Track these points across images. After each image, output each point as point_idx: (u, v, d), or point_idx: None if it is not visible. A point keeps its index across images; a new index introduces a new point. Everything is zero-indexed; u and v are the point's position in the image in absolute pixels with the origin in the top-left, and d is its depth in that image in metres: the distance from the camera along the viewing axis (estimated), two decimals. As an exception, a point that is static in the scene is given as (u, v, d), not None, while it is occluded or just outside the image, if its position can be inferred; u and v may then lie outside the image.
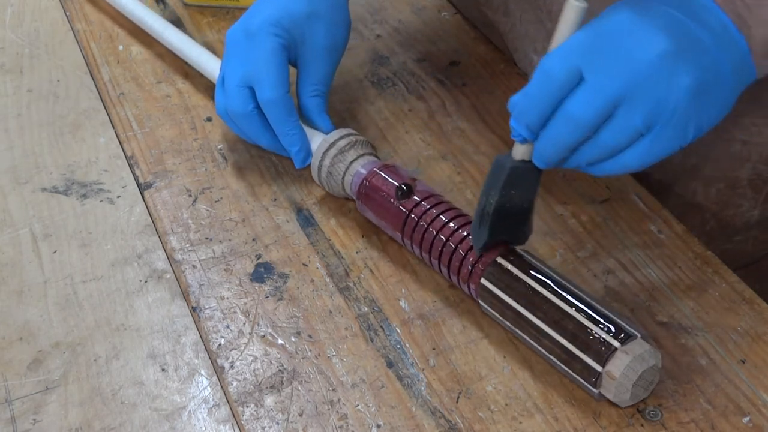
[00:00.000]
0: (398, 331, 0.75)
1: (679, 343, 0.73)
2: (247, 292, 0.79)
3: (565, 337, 0.68)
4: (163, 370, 0.73)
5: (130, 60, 1.03)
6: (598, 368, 0.66)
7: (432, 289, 0.78)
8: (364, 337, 0.75)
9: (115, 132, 0.94)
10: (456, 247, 0.75)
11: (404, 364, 0.73)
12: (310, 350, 0.74)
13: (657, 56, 0.62)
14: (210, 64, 0.95)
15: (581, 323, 0.68)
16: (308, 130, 0.86)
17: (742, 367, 0.72)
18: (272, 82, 0.83)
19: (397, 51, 1.03)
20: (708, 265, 0.79)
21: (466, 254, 0.74)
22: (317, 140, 0.85)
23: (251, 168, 0.90)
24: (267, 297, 0.78)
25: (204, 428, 0.70)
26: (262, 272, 0.80)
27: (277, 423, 0.70)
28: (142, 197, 0.87)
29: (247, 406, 0.71)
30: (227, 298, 0.78)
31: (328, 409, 0.70)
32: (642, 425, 0.68)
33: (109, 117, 0.96)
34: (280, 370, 0.73)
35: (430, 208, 0.77)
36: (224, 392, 0.72)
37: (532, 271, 0.71)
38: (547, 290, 0.70)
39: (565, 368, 0.69)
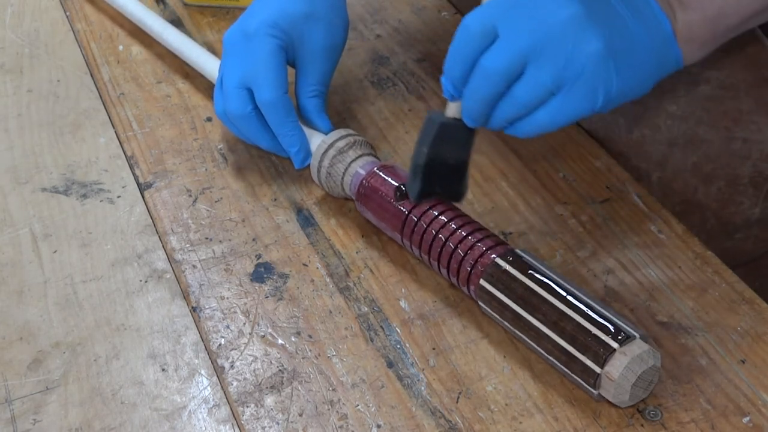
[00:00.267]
0: (398, 331, 0.75)
1: (679, 343, 0.73)
2: (247, 292, 0.79)
3: (563, 339, 0.68)
4: (163, 370, 0.73)
5: (130, 60, 1.03)
6: (597, 369, 0.66)
7: (432, 289, 0.78)
8: (364, 337, 0.75)
9: (115, 132, 0.94)
10: (455, 247, 0.75)
11: (404, 364, 0.73)
12: (310, 350, 0.74)
13: (567, 17, 0.65)
14: (209, 65, 0.95)
15: (580, 324, 0.68)
16: (307, 131, 0.86)
17: (742, 367, 0.72)
18: (270, 83, 0.83)
19: (397, 51, 1.03)
20: (708, 265, 0.79)
21: (465, 255, 0.74)
22: (316, 141, 0.85)
23: (251, 168, 0.90)
24: (267, 297, 0.78)
25: (204, 428, 0.70)
26: (262, 272, 0.80)
27: (277, 423, 0.70)
28: (142, 197, 0.87)
29: (247, 406, 0.71)
30: (227, 298, 0.78)
31: (328, 409, 0.70)
32: (642, 425, 0.68)
33: (109, 117, 0.96)
34: (280, 370, 0.73)
35: (429, 209, 0.77)
36: (224, 392, 0.72)
37: (530, 272, 0.71)
38: (546, 291, 0.70)
39: (565, 369, 0.69)
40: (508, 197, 0.86)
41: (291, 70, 0.88)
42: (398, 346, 0.74)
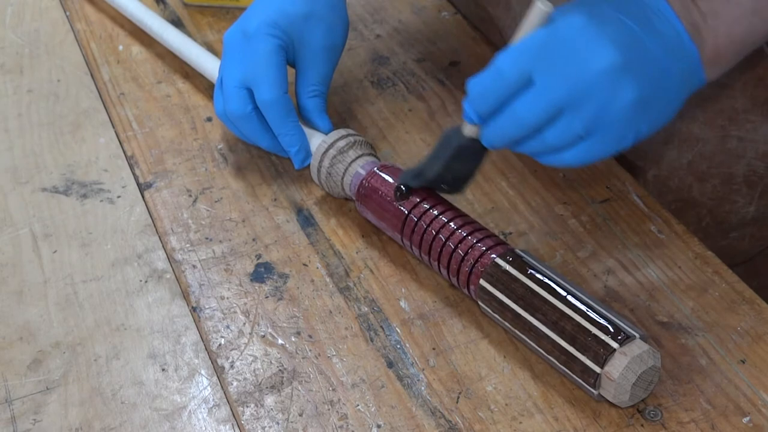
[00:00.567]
0: (398, 331, 0.75)
1: (679, 343, 0.73)
2: (247, 292, 0.79)
3: (563, 339, 0.68)
4: (163, 370, 0.73)
5: (130, 60, 1.03)
6: (597, 369, 0.66)
7: (432, 289, 0.78)
8: (364, 337, 0.75)
9: (115, 132, 0.94)
10: (455, 247, 0.75)
11: (404, 364, 0.73)
12: (310, 350, 0.74)
13: (604, 68, 0.63)
14: (209, 65, 0.95)
15: (580, 324, 0.68)
16: (307, 131, 0.86)
17: (742, 367, 0.72)
18: (270, 83, 0.83)
19: (397, 51, 1.03)
20: (708, 265, 0.79)
21: (465, 255, 0.74)
22: (316, 141, 0.85)
23: (251, 168, 0.90)
24: (267, 297, 0.78)
25: (204, 428, 0.70)
26: (262, 272, 0.80)
27: (277, 423, 0.70)
28: (142, 197, 0.87)
29: (247, 406, 0.71)
30: (227, 298, 0.78)
31: (328, 409, 0.70)
32: (642, 425, 0.68)
33: (109, 117, 0.96)
34: (280, 370, 0.73)
35: (429, 209, 0.77)
36: (224, 392, 0.72)
37: (530, 272, 0.71)
38: (546, 291, 0.70)
39: (565, 369, 0.69)
40: (508, 197, 0.86)
41: (291, 71, 0.88)
42: (398, 346, 0.74)
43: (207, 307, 0.78)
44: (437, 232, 0.76)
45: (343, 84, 0.98)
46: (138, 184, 0.88)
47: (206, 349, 0.75)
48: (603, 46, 0.64)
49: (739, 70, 0.87)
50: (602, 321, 0.67)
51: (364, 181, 0.81)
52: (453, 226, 0.76)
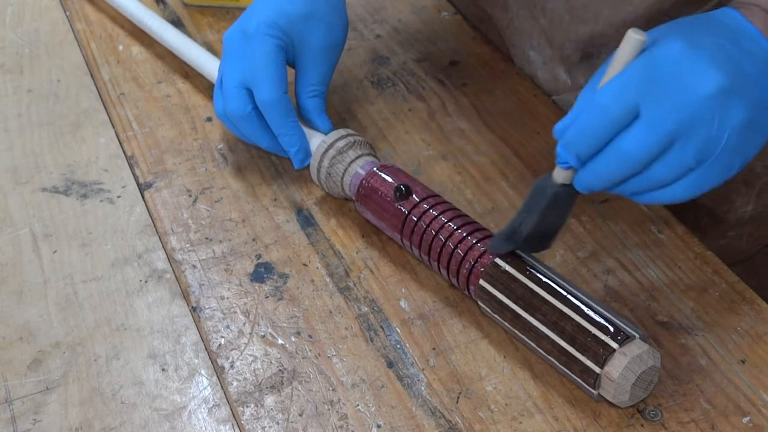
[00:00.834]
0: (398, 331, 0.75)
1: (679, 343, 0.73)
2: (247, 292, 0.79)
3: (563, 339, 0.68)
4: (163, 370, 0.73)
5: (130, 60, 1.03)
6: (597, 369, 0.66)
7: (432, 289, 0.78)
8: (364, 337, 0.75)
9: (115, 132, 0.94)
10: (455, 248, 0.75)
11: (404, 364, 0.73)
12: (310, 350, 0.74)
13: (712, 93, 0.61)
14: (209, 65, 0.95)
15: (579, 324, 0.68)
16: (307, 131, 0.86)
17: (742, 367, 0.72)
18: (270, 83, 0.83)
19: (397, 51, 1.03)
20: (708, 265, 0.79)
21: (464, 255, 0.74)
22: (316, 141, 0.85)
23: (251, 168, 0.90)
24: (267, 297, 0.78)
25: (204, 428, 0.70)
26: (262, 272, 0.80)
27: (277, 423, 0.70)
28: (142, 197, 0.87)
29: (247, 406, 0.71)
30: (227, 298, 0.78)
31: (328, 409, 0.70)
32: (642, 425, 0.68)
33: (109, 117, 0.96)
34: (280, 370, 0.73)
35: (429, 209, 0.77)
36: (224, 392, 0.72)
37: (530, 273, 0.71)
38: (546, 291, 0.70)
39: (564, 369, 0.69)
40: (508, 197, 0.86)
41: (291, 71, 0.88)
42: (398, 346, 0.74)
43: (207, 307, 0.78)
44: (437, 233, 0.76)
45: (343, 84, 0.98)
46: (138, 184, 0.88)
47: (206, 349, 0.75)
48: (708, 70, 0.62)
49: None
50: (602, 321, 0.67)
51: (363, 181, 0.81)
52: (453, 226, 0.76)
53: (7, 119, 0.96)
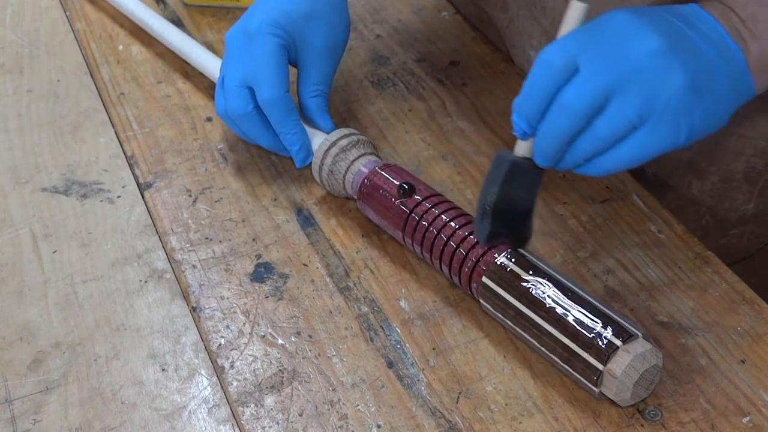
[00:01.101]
0: (398, 331, 0.75)
1: (679, 343, 0.73)
2: (247, 292, 0.79)
3: (566, 336, 0.68)
4: (163, 370, 0.73)
5: (130, 60, 1.03)
6: (600, 366, 0.66)
7: (432, 289, 0.78)
8: (364, 337, 0.75)
9: (115, 132, 0.94)
10: (457, 246, 0.75)
11: (404, 364, 0.73)
12: (310, 350, 0.74)
13: (651, 51, 0.63)
14: (210, 64, 0.95)
15: (583, 322, 0.68)
16: (309, 130, 0.86)
17: (742, 367, 0.72)
18: (272, 82, 0.83)
19: (397, 51, 1.03)
20: (708, 265, 0.79)
21: (467, 253, 0.74)
22: (318, 140, 0.85)
23: (251, 168, 0.90)
24: (267, 297, 0.78)
25: (204, 428, 0.70)
26: (262, 272, 0.80)
27: (277, 423, 0.70)
28: (142, 197, 0.87)
29: (247, 406, 0.71)
30: (227, 298, 0.78)
31: (328, 409, 0.70)
32: (642, 425, 0.68)
33: (109, 117, 0.96)
34: (280, 370, 0.73)
35: (431, 208, 0.77)
36: (224, 392, 0.72)
37: (533, 270, 0.71)
38: (549, 289, 0.70)
39: (566, 367, 0.69)
40: (508, 197, 0.86)
41: (293, 70, 0.88)
42: (398, 346, 0.74)
43: (207, 307, 0.78)
44: (439, 231, 0.76)
45: (343, 84, 0.98)
46: (138, 184, 0.88)
47: (206, 349, 0.75)
48: (649, 32, 0.64)
49: None
50: (605, 319, 0.68)
51: (366, 180, 0.81)
52: (455, 224, 0.76)
53: (7, 119, 0.96)
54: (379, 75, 1.00)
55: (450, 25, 1.06)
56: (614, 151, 0.65)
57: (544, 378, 0.71)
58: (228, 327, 0.76)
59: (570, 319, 0.68)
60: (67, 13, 1.10)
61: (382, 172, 0.80)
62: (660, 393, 0.70)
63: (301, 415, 0.70)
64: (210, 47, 1.02)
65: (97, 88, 0.99)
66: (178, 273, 0.80)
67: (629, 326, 0.67)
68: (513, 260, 0.72)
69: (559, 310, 0.69)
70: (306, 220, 0.84)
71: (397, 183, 0.79)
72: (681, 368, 0.72)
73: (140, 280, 0.80)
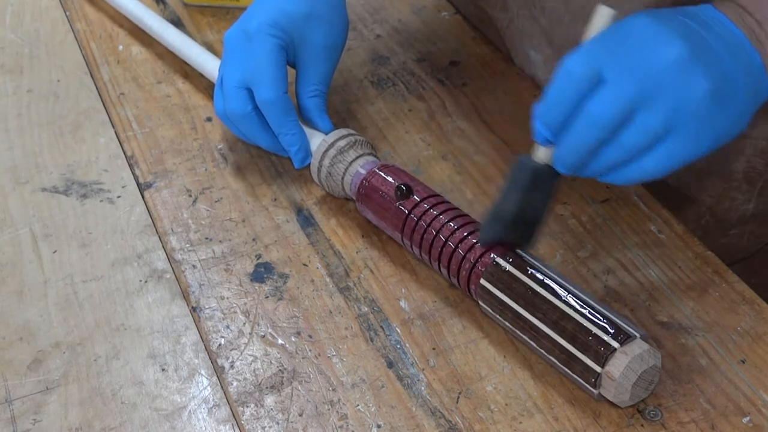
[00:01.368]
0: (398, 331, 0.75)
1: (679, 343, 0.73)
2: (247, 292, 0.79)
3: (564, 338, 0.68)
4: (163, 370, 0.73)
5: (130, 60, 1.03)
6: (598, 369, 0.66)
7: (432, 289, 0.78)
8: (364, 337, 0.75)
9: (115, 132, 0.94)
10: (456, 247, 0.75)
11: (404, 364, 0.73)
12: (310, 350, 0.74)
13: (674, 59, 0.63)
14: (209, 64, 0.95)
15: (580, 324, 0.68)
16: (308, 131, 0.86)
17: (742, 367, 0.72)
18: (270, 82, 0.83)
19: (397, 51, 1.03)
20: (708, 265, 0.79)
21: (465, 255, 0.74)
22: (317, 140, 0.85)
23: (251, 168, 0.90)
24: (267, 297, 0.78)
25: (204, 428, 0.70)
26: (262, 272, 0.80)
27: (277, 423, 0.70)
28: (142, 197, 0.87)
29: (247, 406, 0.71)
30: (227, 298, 0.78)
31: (328, 409, 0.70)
32: (642, 425, 0.68)
33: (109, 117, 0.96)
34: (280, 370, 0.73)
35: (429, 209, 0.77)
36: (224, 392, 0.72)
37: (531, 272, 0.71)
38: (547, 291, 0.70)
39: (565, 369, 0.69)
40: (508, 197, 0.86)
41: (291, 71, 0.88)
42: (398, 346, 0.74)
43: (207, 307, 0.78)
44: (438, 232, 0.76)
45: (343, 84, 0.98)
46: (138, 184, 0.88)
47: (206, 349, 0.75)
48: (670, 38, 0.63)
49: None
50: (603, 321, 0.67)
51: (364, 181, 0.81)
52: (453, 225, 0.76)
53: (7, 119, 0.96)
54: (379, 75, 1.00)
55: (450, 25, 1.06)
56: (639, 161, 0.64)
57: (544, 378, 0.71)
58: (228, 327, 0.76)
59: (568, 321, 0.68)
60: (67, 13, 1.10)
61: (380, 173, 0.80)
62: (660, 393, 0.70)
63: (301, 415, 0.70)
64: (210, 47, 1.02)
65: (97, 88, 0.99)
66: (178, 273, 0.80)
67: (627, 327, 0.67)
68: (511, 261, 0.72)
69: (557, 312, 0.69)
70: (306, 220, 0.84)
71: (395, 184, 0.79)
72: (681, 368, 0.72)
73: (140, 280, 0.80)
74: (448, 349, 0.74)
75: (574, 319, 0.68)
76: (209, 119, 0.95)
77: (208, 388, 0.72)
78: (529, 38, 0.95)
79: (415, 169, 0.88)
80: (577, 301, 0.69)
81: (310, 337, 0.75)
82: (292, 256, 0.81)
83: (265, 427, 0.70)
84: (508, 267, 0.72)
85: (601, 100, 0.63)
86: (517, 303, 0.70)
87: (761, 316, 0.75)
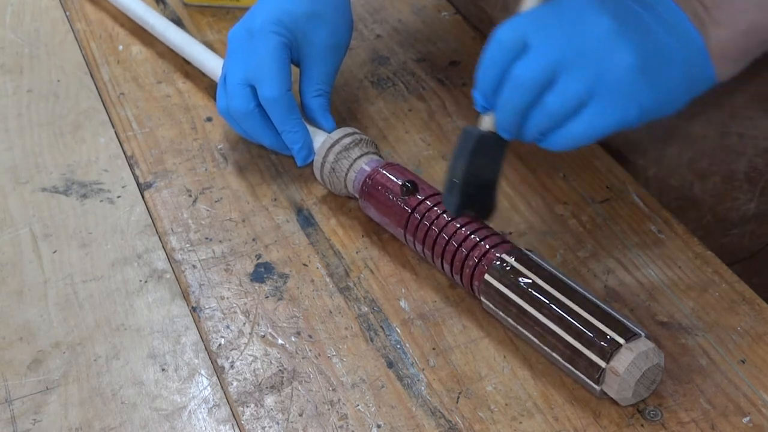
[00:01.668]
0: (398, 331, 0.75)
1: (679, 343, 0.73)
2: (247, 292, 0.79)
3: (569, 334, 0.68)
4: (163, 370, 0.73)
5: (130, 60, 1.03)
6: (602, 364, 0.66)
7: (432, 289, 0.78)
8: (364, 337, 0.75)
9: (115, 132, 0.94)
10: (460, 244, 0.75)
11: (404, 364, 0.73)
12: (310, 350, 0.74)
13: (601, 31, 0.65)
14: (211, 63, 0.95)
15: (586, 320, 0.68)
16: (311, 129, 0.86)
17: (742, 367, 0.72)
18: (273, 80, 0.83)
19: (397, 51, 1.03)
20: (708, 264, 0.79)
21: (469, 252, 0.74)
22: (320, 139, 0.85)
23: (251, 168, 0.90)
24: (267, 297, 0.78)
25: (204, 428, 0.70)
26: (262, 272, 0.80)
27: (277, 423, 0.70)
28: (142, 197, 0.87)
29: (247, 406, 0.71)
30: (227, 298, 0.78)
31: (328, 409, 0.70)
32: (642, 425, 0.68)
33: (109, 117, 0.96)
34: (280, 370, 0.73)
35: (433, 206, 0.77)
36: (224, 392, 0.72)
37: (536, 268, 0.71)
38: (551, 286, 0.70)
39: (568, 365, 0.69)
40: (508, 197, 0.86)
41: (295, 70, 0.88)
42: (398, 346, 0.74)
43: (207, 307, 0.78)
44: (441, 229, 0.76)
45: (343, 84, 0.98)
46: (138, 184, 0.88)
47: (206, 349, 0.75)
48: (600, 12, 0.65)
49: None
50: (608, 317, 0.68)
51: (368, 178, 0.81)
52: (457, 223, 0.76)
53: (7, 119, 0.96)
54: (379, 75, 1.00)
55: (450, 25, 1.06)
56: (566, 127, 0.67)
57: (544, 378, 0.71)
58: (228, 327, 0.76)
59: (573, 316, 0.68)
60: (67, 13, 1.10)
61: (385, 171, 0.81)
62: (660, 393, 0.70)
63: (301, 415, 0.70)
64: (210, 47, 1.02)
65: (97, 88, 0.99)
66: (178, 273, 0.80)
67: (632, 325, 0.67)
68: (515, 258, 0.72)
69: (562, 307, 0.69)
70: (306, 220, 0.84)
71: (400, 182, 0.79)
72: (681, 368, 0.72)
73: (140, 280, 0.80)
74: (448, 349, 0.74)
75: (580, 315, 0.68)
76: (209, 119, 0.95)
77: (208, 388, 0.72)
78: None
79: (415, 169, 0.88)
80: (582, 298, 0.69)
81: (310, 337, 0.75)
82: (292, 256, 0.81)
83: (265, 427, 0.70)
84: (513, 263, 0.72)
85: (525, 63, 0.66)
86: (521, 299, 0.70)
87: (761, 316, 0.75)
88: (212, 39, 1.05)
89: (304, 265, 0.81)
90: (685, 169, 0.92)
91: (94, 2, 1.10)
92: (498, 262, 0.72)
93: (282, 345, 0.75)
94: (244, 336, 0.75)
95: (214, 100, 0.95)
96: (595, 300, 0.69)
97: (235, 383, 0.72)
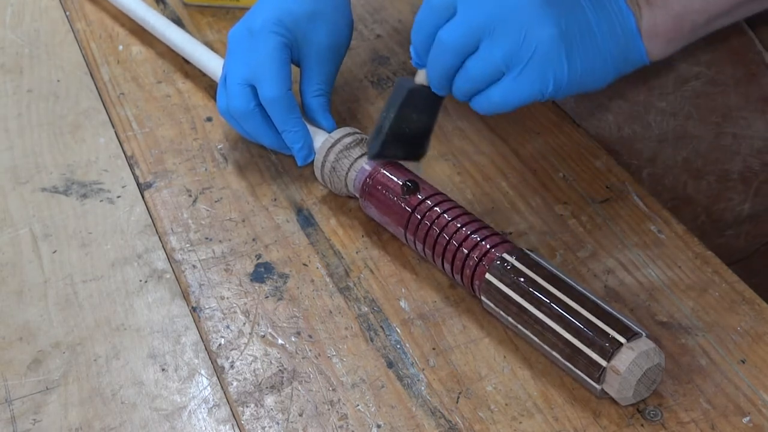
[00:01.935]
0: (398, 331, 0.75)
1: (679, 343, 0.73)
2: (247, 292, 0.79)
3: (569, 332, 0.68)
4: (163, 370, 0.73)
5: (130, 60, 1.03)
6: (603, 363, 0.66)
7: (432, 289, 0.78)
8: (364, 337, 0.75)
9: (115, 132, 0.94)
10: (461, 243, 0.75)
11: (404, 364, 0.73)
12: (310, 350, 0.74)
13: (526, 1, 0.67)
14: (212, 63, 0.95)
15: (586, 319, 0.68)
16: (311, 129, 0.86)
17: (742, 367, 0.72)
18: (274, 80, 0.83)
19: (397, 51, 1.03)
20: (708, 265, 0.79)
21: (470, 251, 0.74)
22: (320, 138, 0.85)
23: (251, 168, 0.90)
24: (267, 297, 0.78)
25: (204, 428, 0.70)
26: (262, 272, 0.80)
27: (277, 423, 0.70)
28: (142, 197, 0.87)
29: (247, 406, 0.71)
30: (227, 298, 0.78)
31: (328, 409, 0.70)
32: (642, 425, 0.68)
33: (109, 117, 0.96)
34: (280, 370, 0.73)
35: (434, 206, 0.77)
36: (224, 392, 0.72)
37: (536, 268, 0.71)
38: (552, 285, 0.70)
39: (568, 364, 0.69)
40: (508, 197, 0.86)
41: (295, 70, 0.88)
42: (398, 346, 0.74)
43: (207, 307, 0.78)
44: (442, 228, 0.76)
45: (343, 84, 0.98)
46: (138, 184, 0.88)
47: (206, 349, 0.75)
48: None
49: (731, 66, 0.87)
50: (609, 316, 0.68)
51: (368, 178, 0.81)
52: (458, 223, 0.76)
53: (7, 119, 0.96)
54: (379, 75, 1.00)
55: (450, 25, 1.06)
56: (487, 92, 0.69)
57: (544, 378, 0.71)
58: (228, 327, 0.76)
59: (574, 315, 0.68)
60: (67, 13, 1.10)
61: (385, 171, 0.81)
62: (660, 393, 0.70)
63: (301, 415, 0.70)
64: (210, 47, 1.02)
65: (97, 88, 0.99)
66: (178, 273, 0.80)
67: (632, 325, 0.67)
68: (516, 258, 0.72)
69: (563, 306, 0.69)
70: (306, 220, 0.84)
71: (401, 181, 0.79)
72: (681, 368, 0.72)
73: (140, 280, 0.80)
74: (448, 349, 0.74)
75: (581, 313, 0.68)
76: (209, 119, 0.95)
77: (208, 388, 0.72)
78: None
79: (416, 169, 0.88)
80: (583, 297, 0.69)
81: (310, 337, 0.75)
82: (292, 256, 0.81)
83: (265, 427, 0.70)
84: (514, 262, 0.72)
85: (450, 27, 0.69)
86: (522, 297, 0.70)
87: (761, 316, 0.75)
88: (212, 39, 1.05)
89: (304, 265, 0.81)
90: (680, 169, 0.92)
91: (94, 2, 1.10)
92: (499, 262, 0.72)
93: (282, 345, 0.75)
94: (244, 336, 0.75)
95: (214, 100, 0.95)
96: (595, 299, 0.69)
97: (235, 383, 0.72)
